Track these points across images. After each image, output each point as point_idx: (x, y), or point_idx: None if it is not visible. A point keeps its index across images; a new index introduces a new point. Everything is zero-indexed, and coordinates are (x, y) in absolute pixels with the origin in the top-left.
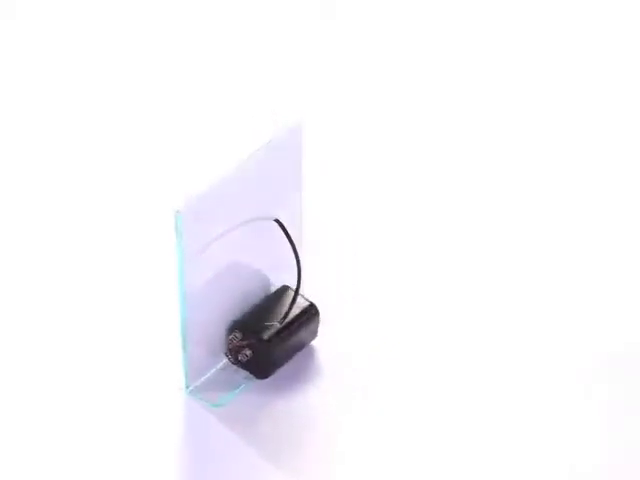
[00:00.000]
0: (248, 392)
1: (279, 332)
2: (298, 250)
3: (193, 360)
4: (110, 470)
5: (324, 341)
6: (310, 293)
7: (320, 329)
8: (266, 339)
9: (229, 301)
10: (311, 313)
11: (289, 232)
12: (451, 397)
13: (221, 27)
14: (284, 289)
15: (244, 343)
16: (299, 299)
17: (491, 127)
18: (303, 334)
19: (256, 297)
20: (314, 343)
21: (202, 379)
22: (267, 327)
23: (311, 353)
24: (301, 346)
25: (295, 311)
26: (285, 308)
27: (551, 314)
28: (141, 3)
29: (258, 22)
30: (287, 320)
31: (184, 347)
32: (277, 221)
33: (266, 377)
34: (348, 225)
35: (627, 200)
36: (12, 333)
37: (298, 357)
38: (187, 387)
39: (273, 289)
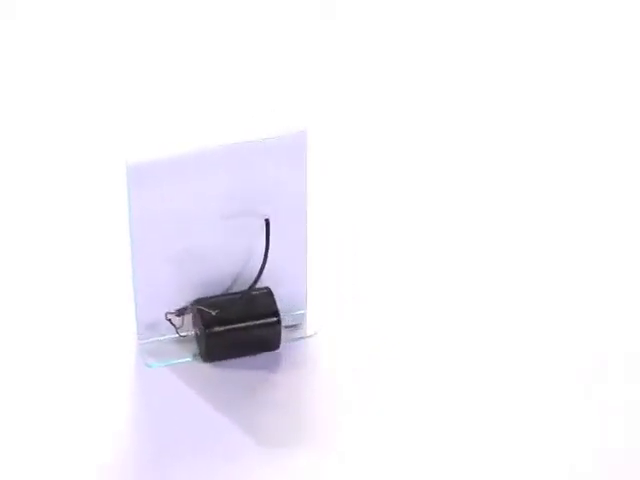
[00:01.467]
0: (241, 370)
1: (224, 324)
2: (304, 255)
3: (144, 314)
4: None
5: (324, 341)
6: (310, 293)
7: (320, 329)
8: (206, 322)
9: (194, 277)
10: (270, 321)
11: (289, 234)
12: (451, 397)
13: (221, 27)
14: (265, 290)
15: (189, 316)
16: (269, 305)
17: (492, 130)
18: (258, 339)
19: (234, 287)
20: (314, 343)
21: (156, 337)
22: (216, 314)
23: (311, 352)
24: (255, 350)
25: (252, 312)
26: (247, 306)
27: (551, 314)
28: (142, 3)
29: (258, 22)
30: (237, 317)
31: (134, 296)
32: (267, 221)
33: (207, 361)
34: (349, 226)
35: (627, 200)
36: None
37: (296, 355)
38: (139, 339)
39: (259, 286)
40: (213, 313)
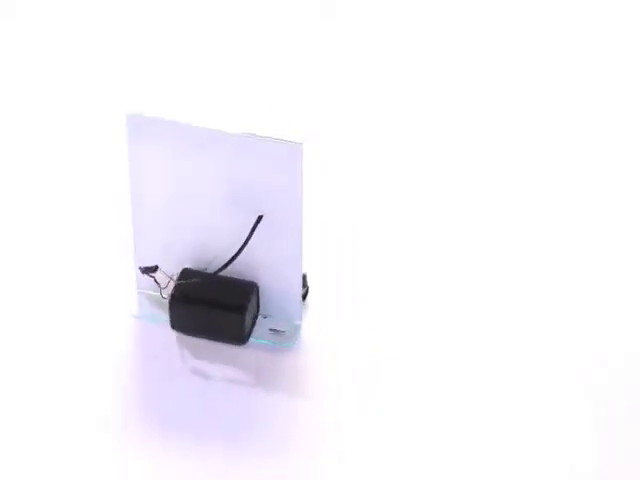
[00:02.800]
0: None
1: (188, 299)
2: (297, 253)
3: (142, 263)
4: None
5: (323, 340)
6: (311, 294)
7: (319, 328)
8: (175, 289)
9: (188, 244)
10: (234, 314)
11: (283, 232)
12: (451, 397)
13: (221, 27)
14: (251, 285)
15: (165, 279)
16: (242, 299)
17: (491, 133)
18: (221, 327)
19: (225, 270)
20: (313, 341)
21: (150, 291)
22: (177, 284)
23: (310, 351)
24: (221, 338)
25: (222, 299)
26: (221, 292)
27: (551, 314)
28: (141, 3)
29: (258, 22)
30: (204, 297)
31: (134, 246)
32: (259, 217)
33: (172, 328)
34: (348, 226)
35: (627, 200)
36: None
37: (296, 354)
38: (137, 288)
39: (249, 279)
40: (174, 281)
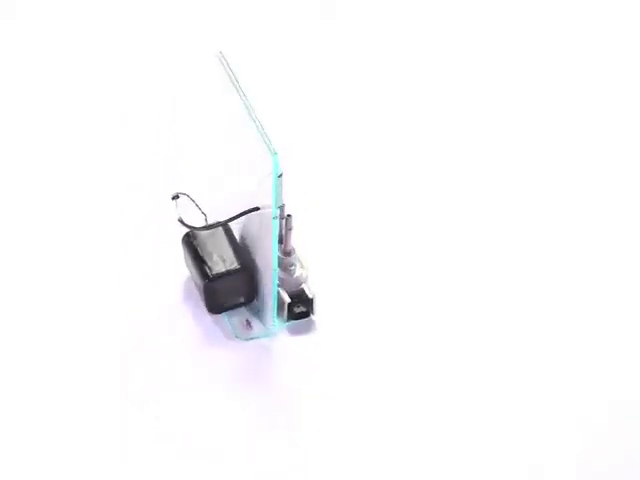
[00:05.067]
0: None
1: (190, 243)
2: (269, 261)
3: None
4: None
5: (323, 339)
6: (322, 315)
7: (318, 327)
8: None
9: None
10: (202, 280)
11: (266, 237)
12: (450, 398)
13: (221, 27)
14: (239, 268)
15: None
16: (220, 273)
17: (487, 133)
18: (198, 283)
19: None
20: (313, 341)
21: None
22: (179, 219)
23: (308, 350)
24: (200, 292)
25: (205, 259)
26: (216, 253)
27: (552, 315)
28: (140, 2)
29: (258, 22)
30: (199, 249)
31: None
32: (255, 208)
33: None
34: (348, 225)
35: (629, 204)
36: None
37: (294, 352)
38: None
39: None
40: (177, 219)
